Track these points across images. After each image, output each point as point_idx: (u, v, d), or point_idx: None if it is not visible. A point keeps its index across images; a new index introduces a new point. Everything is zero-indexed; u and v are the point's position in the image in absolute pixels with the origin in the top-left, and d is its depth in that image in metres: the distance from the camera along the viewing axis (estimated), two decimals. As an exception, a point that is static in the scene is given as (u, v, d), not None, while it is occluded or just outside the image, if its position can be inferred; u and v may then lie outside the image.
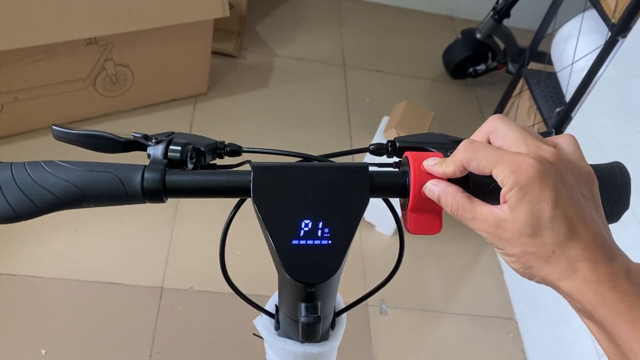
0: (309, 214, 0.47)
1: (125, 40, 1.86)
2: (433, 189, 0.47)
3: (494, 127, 0.45)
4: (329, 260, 0.47)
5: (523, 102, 2.04)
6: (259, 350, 1.59)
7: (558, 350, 1.54)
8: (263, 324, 0.61)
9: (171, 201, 1.87)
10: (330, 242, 0.47)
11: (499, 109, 2.16)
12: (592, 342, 1.39)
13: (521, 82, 2.06)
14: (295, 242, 0.47)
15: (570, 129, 1.63)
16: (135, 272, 1.65)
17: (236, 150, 0.55)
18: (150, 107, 2.11)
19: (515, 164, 0.41)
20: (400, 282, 1.80)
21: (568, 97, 1.74)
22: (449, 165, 0.46)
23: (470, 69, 2.56)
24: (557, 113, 1.77)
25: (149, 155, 0.51)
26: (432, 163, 0.48)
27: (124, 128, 2.01)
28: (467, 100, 2.57)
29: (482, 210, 0.44)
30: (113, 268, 1.65)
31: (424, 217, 0.48)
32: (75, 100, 1.93)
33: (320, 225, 0.47)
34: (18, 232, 1.66)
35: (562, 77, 1.84)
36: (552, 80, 1.93)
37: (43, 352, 1.45)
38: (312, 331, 0.48)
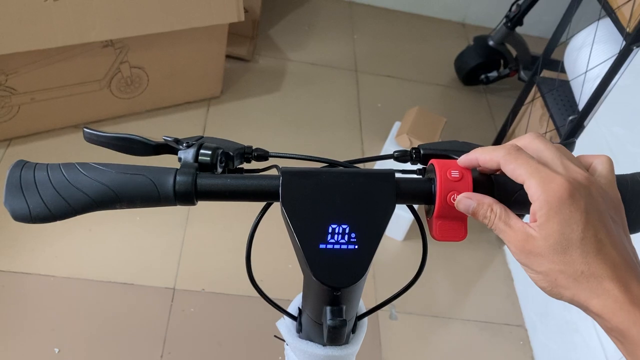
0: (337, 219, 0.48)
1: (140, 43, 1.87)
2: (468, 202, 0.47)
3: (531, 143, 0.46)
4: (356, 264, 0.48)
5: (535, 109, 2.04)
6: (270, 352, 1.60)
7: (567, 358, 1.54)
8: (285, 327, 0.62)
9: (184, 203, 1.89)
10: (356, 247, 0.48)
11: (511, 117, 2.16)
12: (602, 350, 1.39)
13: (534, 89, 2.06)
14: (322, 246, 0.48)
15: (582, 137, 1.63)
16: (147, 273, 1.67)
17: (263, 155, 0.56)
18: (164, 109, 2.13)
19: (549, 182, 0.42)
20: (411, 288, 1.81)
21: (581, 106, 1.74)
22: (486, 152, 0.47)
23: (482, 76, 2.57)
24: (570, 121, 1.77)
25: (179, 159, 0.52)
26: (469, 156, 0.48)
27: (138, 130, 2.03)
28: (479, 106, 2.58)
29: (516, 223, 0.45)
30: (126, 269, 1.66)
31: (449, 224, 0.49)
32: (90, 101, 1.95)
33: (347, 230, 0.48)
34: (32, 232, 1.68)
35: (575, 85, 1.85)
36: (565, 88, 1.93)
37: (56, 350, 1.46)
38: (337, 334, 0.49)
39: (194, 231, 1.80)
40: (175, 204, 0.49)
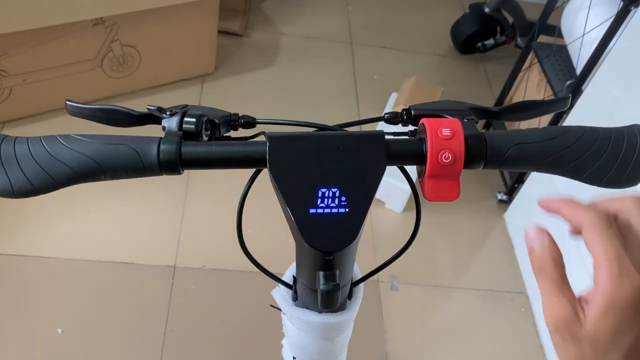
0: (326, 182, 0.47)
1: (131, 20, 1.85)
2: (535, 238, 0.43)
3: (629, 210, 0.41)
4: (347, 228, 0.47)
5: (533, 75, 2.02)
6: (273, 326, 1.60)
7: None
8: (281, 295, 0.62)
9: (182, 179, 1.88)
10: (347, 210, 0.47)
11: (508, 84, 2.14)
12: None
13: (530, 55, 2.04)
14: (312, 211, 0.47)
15: (581, 102, 1.62)
16: (147, 252, 1.67)
17: (250, 122, 0.55)
18: (158, 87, 2.11)
19: (623, 276, 0.37)
20: (411, 258, 1.80)
21: (579, 70, 1.72)
22: (573, 209, 0.42)
23: (479, 44, 2.54)
24: (568, 86, 1.75)
25: (163, 128, 0.51)
26: (560, 202, 0.44)
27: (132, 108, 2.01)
28: (476, 75, 2.55)
29: (569, 294, 0.40)
30: (125, 248, 1.66)
31: (441, 183, 0.48)
32: (83, 81, 1.93)
33: (337, 193, 0.47)
34: (31, 214, 1.68)
35: (573, 50, 1.82)
36: (562, 53, 1.91)
37: (59, 331, 1.47)
38: (331, 299, 0.48)
39: (193, 208, 1.79)
40: (160, 174, 0.48)
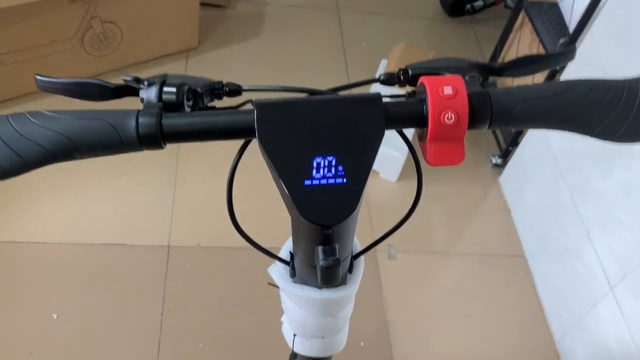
0: (321, 151, 0.44)
1: (109, -5, 1.79)
2: None
3: None
4: (345, 199, 0.44)
5: (524, 36, 1.97)
6: (271, 303, 1.58)
7: (569, 283, 1.54)
8: (278, 273, 0.59)
9: (172, 155, 1.84)
10: (345, 180, 0.44)
11: (499, 46, 2.09)
12: (604, 274, 1.39)
13: (521, 15, 1.99)
14: (308, 182, 0.44)
15: (575, 60, 1.58)
16: (140, 232, 1.64)
17: (235, 90, 0.51)
18: (141, 64, 2.05)
19: None
20: (407, 226, 1.79)
21: (572, 28, 1.68)
22: None
23: (468, 6, 2.49)
24: (561, 45, 1.71)
25: (142, 100, 0.47)
26: None
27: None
28: (466, 38, 2.50)
29: None
30: (117, 230, 1.63)
31: (444, 146, 0.45)
32: (63, 61, 1.87)
33: (334, 162, 0.44)
34: (19, 200, 1.64)
35: (565, 7, 1.78)
36: (554, 11, 1.87)
37: (55, 316, 1.44)
38: (331, 275, 0.46)
39: (185, 185, 1.76)
40: (141, 149, 0.45)
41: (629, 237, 1.32)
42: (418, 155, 0.51)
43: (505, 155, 1.96)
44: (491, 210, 1.90)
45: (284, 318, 0.68)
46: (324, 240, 0.46)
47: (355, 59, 2.27)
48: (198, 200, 1.74)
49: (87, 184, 1.71)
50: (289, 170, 0.44)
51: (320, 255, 0.45)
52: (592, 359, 1.43)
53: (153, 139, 0.44)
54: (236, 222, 0.56)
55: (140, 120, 0.44)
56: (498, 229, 1.84)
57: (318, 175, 0.44)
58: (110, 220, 1.66)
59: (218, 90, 0.51)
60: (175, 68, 2.07)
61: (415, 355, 1.51)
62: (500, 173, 1.96)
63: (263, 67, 2.17)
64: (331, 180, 0.44)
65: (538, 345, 1.59)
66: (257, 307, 1.54)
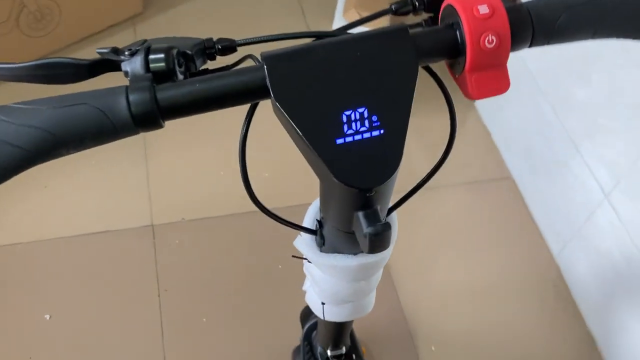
0: (349, 102, 0.38)
1: (38, -32, 1.64)
2: None
3: None
4: (386, 153, 0.39)
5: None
6: (269, 266, 1.55)
7: (561, 197, 1.53)
8: (305, 244, 0.54)
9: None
10: (382, 131, 0.38)
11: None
12: (596, 183, 1.38)
13: None
14: (340, 141, 0.38)
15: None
16: (120, 215, 1.56)
17: (229, 46, 0.44)
18: (86, 40, 1.92)
19: None
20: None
21: None
22: None
23: None
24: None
25: (126, 73, 0.40)
26: None
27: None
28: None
29: None
30: (95, 217, 1.55)
31: (487, 74, 0.39)
32: (1, 48, 1.73)
33: (366, 113, 0.38)
34: (-17, 203, 1.54)
35: None
36: None
37: (47, 317, 1.38)
38: (381, 241, 0.40)
39: (157, 159, 1.68)
40: (137, 132, 0.38)
41: (618, 141, 1.30)
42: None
43: (478, 78, 1.92)
44: (471, 136, 1.87)
45: (307, 287, 0.64)
46: (364, 205, 0.40)
47: (310, 0, 2.17)
48: (174, 172, 1.67)
49: (54, 174, 1.62)
50: (315, 131, 0.38)
51: (363, 222, 0.40)
52: (593, 268, 1.44)
53: (150, 117, 0.37)
54: (255, 197, 0.50)
55: (131, 97, 0.37)
56: (481, 155, 1.82)
57: (350, 131, 0.38)
58: (86, 209, 1.57)
59: (210, 49, 0.44)
60: (123, 38, 1.95)
61: (420, 292, 1.50)
62: (475, 98, 1.92)
63: (216, 22, 2.05)
64: (366, 135, 0.38)
65: (537, 262, 1.59)
66: (255, 273, 1.51)
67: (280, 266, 1.51)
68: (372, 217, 0.40)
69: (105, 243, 1.51)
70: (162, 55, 0.39)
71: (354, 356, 0.99)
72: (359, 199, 0.40)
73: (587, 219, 1.44)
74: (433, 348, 1.43)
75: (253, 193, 0.51)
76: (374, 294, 0.62)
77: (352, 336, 1.04)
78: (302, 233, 0.55)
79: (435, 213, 1.69)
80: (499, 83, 0.40)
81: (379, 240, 0.39)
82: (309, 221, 0.55)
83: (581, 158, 1.43)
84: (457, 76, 0.42)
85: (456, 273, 1.55)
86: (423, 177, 0.53)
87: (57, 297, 1.42)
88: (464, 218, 1.68)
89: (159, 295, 1.44)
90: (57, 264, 1.47)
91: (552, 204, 1.59)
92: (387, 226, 0.40)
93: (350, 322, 0.83)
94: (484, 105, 1.88)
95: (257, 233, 1.57)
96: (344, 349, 0.95)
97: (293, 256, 0.58)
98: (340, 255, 0.51)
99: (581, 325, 1.49)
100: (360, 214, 0.40)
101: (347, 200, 0.42)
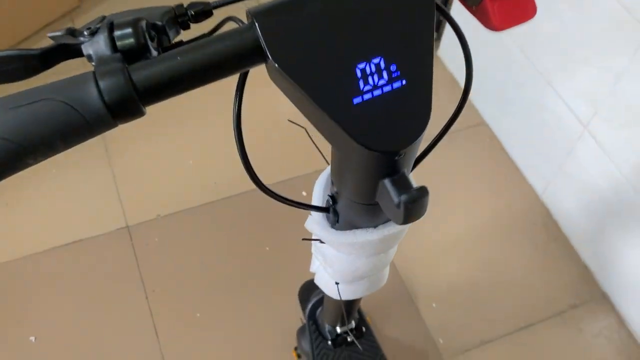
0: (362, 53, 0.32)
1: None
2: None
3: None
4: (413, 107, 0.33)
5: None
6: (256, 248, 1.50)
7: (540, 136, 1.52)
8: (317, 224, 0.49)
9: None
10: (404, 82, 0.33)
11: None
12: (574, 116, 1.36)
13: None
14: (357, 100, 0.32)
15: None
16: (92, 222, 1.48)
17: (204, 10, 0.38)
18: (25, 41, 1.80)
19: None
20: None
21: None
22: None
23: None
24: None
25: (89, 57, 0.34)
26: None
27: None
28: None
29: None
30: (66, 228, 1.47)
31: (510, 0, 0.34)
32: None
33: (383, 63, 0.32)
34: (-58, 231, 1.44)
35: None
36: None
37: (32, 339, 1.31)
38: (419, 208, 0.35)
39: (121, 159, 1.60)
40: (114, 124, 0.32)
41: (591, 69, 1.28)
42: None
43: (437, 28, 1.88)
44: (439, 86, 1.83)
45: (316, 268, 0.59)
46: (391, 170, 0.35)
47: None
48: (141, 168, 1.59)
49: (12, 190, 1.52)
50: (327, 92, 0.32)
51: (393, 191, 0.35)
52: (580, 201, 1.44)
53: (128, 104, 0.31)
54: (257, 178, 0.44)
55: (102, 83, 0.31)
56: (451, 103, 1.78)
57: (368, 87, 0.32)
58: (55, 220, 1.49)
59: (182, 16, 0.38)
60: (63, 35, 1.83)
61: (412, 253, 1.47)
62: (437, 47, 1.88)
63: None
64: (387, 88, 0.33)
65: (523, 204, 1.58)
66: (243, 259, 1.45)
67: (267, 248, 1.46)
68: (403, 183, 0.35)
69: (81, 253, 1.44)
70: (129, 30, 0.33)
71: (363, 328, 0.96)
72: (384, 164, 0.35)
73: (568, 154, 1.43)
74: (434, 305, 1.41)
75: (255, 175, 0.44)
76: (388, 267, 0.58)
77: (359, 308, 1.00)
78: (312, 212, 0.50)
79: (417, 172, 1.65)
80: (524, 8, 0.35)
81: (416, 208, 0.34)
82: (318, 198, 0.50)
83: (555, 93, 1.40)
84: (474, 8, 0.37)
85: (445, 228, 1.53)
86: (440, 130, 0.48)
87: (39, 317, 1.34)
88: (444, 171, 1.65)
89: (147, 298, 1.38)
90: (34, 282, 1.39)
91: (531, 144, 1.57)
92: (425, 191, 0.35)
93: (360, 299, 0.79)
94: (448, 53, 1.84)
95: (238, 218, 1.51)
96: (353, 324, 0.91)
97: (303, 239, 0.53)
98: (359, 230, 0.46)
99: (575, 258, 1.49)
100: (387, 182, 0.35)
101: (370, 167, 0.37)
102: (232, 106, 0.39)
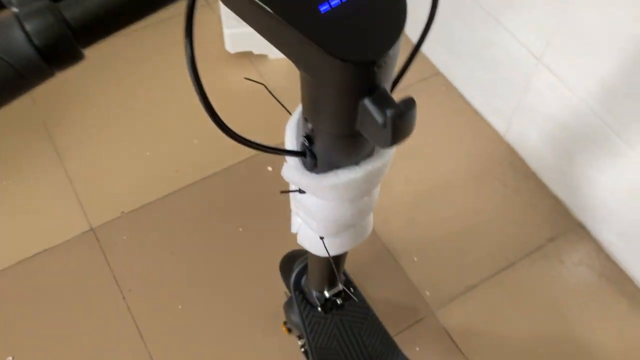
0: None
1: None
2: None
3: None
4: (387, 9, 0.30)
5: None
6: (227, 236, 1.46)
7: (494, 75, 1.51)
8: (296, 170, 0.45)
9: (41, 135, 1.58)
10: None
11: None
12: (526, 50, 1.36)
13: None
14: (324, 7, 0.29)
15: None
16: (54, 230, 1.42)
17: None
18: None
19: None
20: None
21: None
22: None
23: None
24: None
25: (7, 1, 0.29)
26: None
27: None
28: None
29: None
30: (29, 240, 1.40)
31: None
32: None
33: None
34: None
35: None
36: None
37: (10, 359, 1.25)
38: (409, 123, 0.32)
39: (73, 160, 1.53)
40: (50, 72, 0.28)
41: (538, 1, 1.27)
42: None
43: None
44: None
45: (298, 227, 0.56)
46: (370, 87, 0.32)
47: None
48: (96, 167, 1.52)
49: (-36, 209, 1.44)
50: (290, 3, 0.29)
51: (376, 109, 0.32)
52: (543, 134, 1.44)
53: (63, 46, 0.27)
54: (221, 122, 0.40)
55: (28, 26, 0.27)
56: (403, 58, 1.77)
57: None
58: (17, 233, 1.42)
59: None
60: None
61: (385, 209, 1.46)
62: None
63: None
64: None
65: (488, 146, 1.58)
66: (217, 243, 1.42)
67: (240, 229, 1.43)
68: (385, 99, 0.32)
69: (48, 263, 1.37)
70: None
71: (351, 289, 0.94)
72: (362, 79, 0.32)
73: (525, 89, 1.43)
74: (415, 259, 1.40)
75: (222, 121, 0.40)
76: (372, 213, 0.55)
77: (344, 271, 0.98)
78: (287, 158, 0.47)
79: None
80: None
81: (404, 124, 0.31)
82: (291, 142, 0.46)
83: (505, 30, 1.40)
84: None
85: (414, 182, 1.52)
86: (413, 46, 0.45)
87: (14, 334, 1.28)
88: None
89: (124, 298, 1.33)
90: (4, 299, 1.33)
91: (488, 87, 1.57)
92: (412, 102, 0.32)
93: (346, 255, 0.76)
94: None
95: (205, 203, 1.47)
96: (340, 285, 0.89)
97: (282, 191, 0.49)
98: (341, 170, 0.43)
99: (546, 192, 1.50)
100: (368, 101, 0.32)
101: (347, 86, 0.33)
102: (185, 49, 0.35)
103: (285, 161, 0.47)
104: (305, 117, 0.41)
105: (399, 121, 0.31)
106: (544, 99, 1.39)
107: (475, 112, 1.64)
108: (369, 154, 0.43)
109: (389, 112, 0.31)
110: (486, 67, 1.53)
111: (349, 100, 0.33)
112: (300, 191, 0.47)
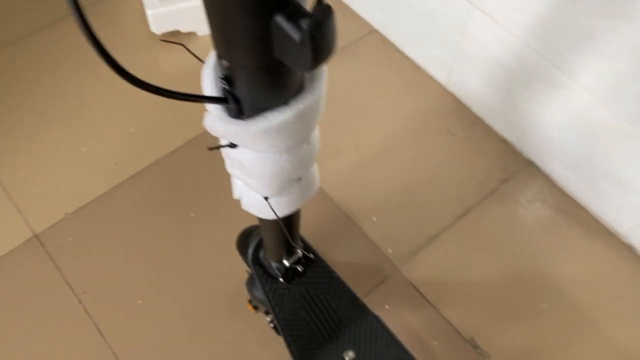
0: None
1: None
2: None
3: None
4: None
5: None
6: (178, 222, 1.41)
7: (429, 24, 1.50)
8: (219, 119, 0.41)
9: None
10: None
11: None
12: (465, 3, 1.34)
13: None
14: None
15: None
16: (-7, 241, 1.34)
17: None
18: None
19: None
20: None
21: None
22: None
23: None
24: None
25: None
26: None
27: None
28: None
29: None
30: (-34, 256, 1.32)
31: None
32: None
33: None
34: None
35: None
36: None
37: (-34, 382, 1.18)
38: (329, 33, 0.29)
39: (6, 167, 1.44)
40: None
41: (463, -57, 1.26)
42: None
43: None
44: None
45: (239, 191, 0.53)
46: (280, 2, 0.28)
47: None
48: (31, 172, 1.44)
49: None
50: None
51: (289, 25, 0.28)
52: (485, 79, 1.44)
53: None
54: (118, 65, 0.34)
55: None
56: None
57: None
58: (-50, 251, 1.33)
59: None
60: None
61: (335, 173, 1.44)
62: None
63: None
64: None
65: (431, 98, 1.57)
66: (169, 232, 1.36)
67: (192, 214, 1.38)
68: (299, 11, 0.28)
69: (-8, 277, 1.30)
70: None
71: (311, 254, 0.91)
72: None
73: (461, 35, 1.42)
74: (374, 219, 1.39)
75: (119, 64, 0.34)
76: (315, 165, 0.52)
77: (301, 237, 0.96)
78: (209, 107, 0.43)
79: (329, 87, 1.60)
80: None
81: (324, 36, 0.28)
82: (210, 89, 0.42)
83: (434, -24, 1.38)
84: None
85: (362, 142, 1.50)
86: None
87: (-34, 357, 1.21)
88: (346, 87, 1.61)
89: (80, 302, 1.27)
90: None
91: (424, 38, 1.55)
92: (329, 9, 0.28)
93: (299, 217, 0.73)
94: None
95: (150, 193, 1.41)
96: (299, 251, 0.86)
97: (209, 148, 0.45)
98: (270, 112, 0.40)
99: (494, 136, 1.50)
100: (280, 18, 0.28)
101: (257, 5, 0.29)
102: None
103: (206, 111, 0.43)
104: (219, 54, 0.37)
105: (318, 33, 0.28)
106: (481, 42, 1.38)
107: (416, 66, 1.63)
108: (298, 90, 0.39)
109: (304, 24, 0.28)
110: (420, 18, 1.51)
111: (259, 19, 0.30)
112: (232, 145, 0.43)
